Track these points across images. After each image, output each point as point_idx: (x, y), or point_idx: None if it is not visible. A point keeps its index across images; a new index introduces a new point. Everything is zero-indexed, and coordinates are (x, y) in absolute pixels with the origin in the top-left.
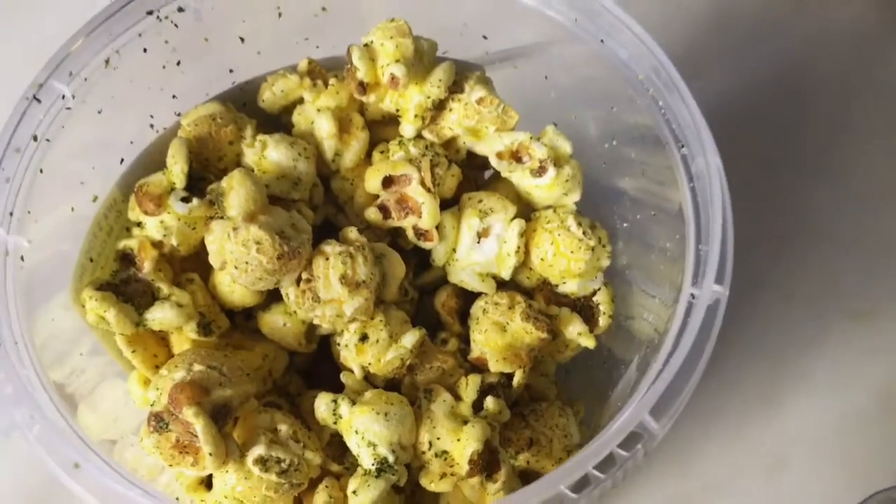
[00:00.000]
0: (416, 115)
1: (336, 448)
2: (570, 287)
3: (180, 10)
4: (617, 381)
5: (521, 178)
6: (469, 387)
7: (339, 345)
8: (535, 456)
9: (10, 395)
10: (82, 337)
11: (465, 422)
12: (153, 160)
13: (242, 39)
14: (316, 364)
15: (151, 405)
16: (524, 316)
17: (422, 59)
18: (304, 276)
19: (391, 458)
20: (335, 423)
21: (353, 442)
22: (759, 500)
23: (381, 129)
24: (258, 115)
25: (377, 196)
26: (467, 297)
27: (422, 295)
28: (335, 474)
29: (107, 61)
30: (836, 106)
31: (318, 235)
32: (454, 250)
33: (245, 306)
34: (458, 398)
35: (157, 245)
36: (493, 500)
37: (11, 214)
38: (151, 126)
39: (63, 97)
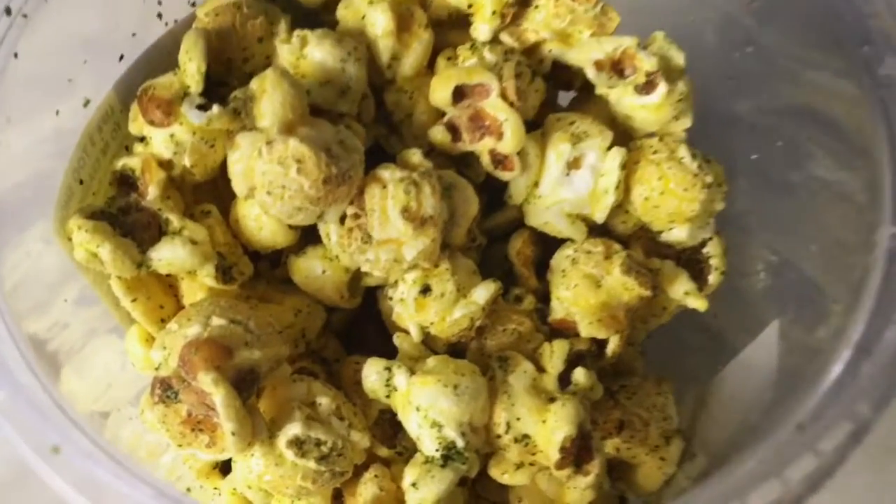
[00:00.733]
0: (493, 12)
1: (386, 428)
2: (677, 235)
3: None
4: (722, 353)
5: (621, 95)
6: (555, 355)
7: (390, 299)
8: (627, 442)
9: None
10: (68, 280)
11: (552, 399)
12: (161, 59)
13: None
14: (355, 325)
15: (156, 369)
16: (624, 268)
17: None
18: (351, 210)
19: (460, 443)
20: (388, 396)
21: (412, 421)
22: None
23: (447, 32)
24: (293, 10)
25: (443, 113)
26: (546, 246)
27: (489, 243)
28: (385, 460)
29: None
30: None
31: (367, 163)
32: (536, 185)
33: (275, 247)
34: (539, 369)
35: (165, 165)
36: (579, 497)
37: None
38: (160, 15)
39: None
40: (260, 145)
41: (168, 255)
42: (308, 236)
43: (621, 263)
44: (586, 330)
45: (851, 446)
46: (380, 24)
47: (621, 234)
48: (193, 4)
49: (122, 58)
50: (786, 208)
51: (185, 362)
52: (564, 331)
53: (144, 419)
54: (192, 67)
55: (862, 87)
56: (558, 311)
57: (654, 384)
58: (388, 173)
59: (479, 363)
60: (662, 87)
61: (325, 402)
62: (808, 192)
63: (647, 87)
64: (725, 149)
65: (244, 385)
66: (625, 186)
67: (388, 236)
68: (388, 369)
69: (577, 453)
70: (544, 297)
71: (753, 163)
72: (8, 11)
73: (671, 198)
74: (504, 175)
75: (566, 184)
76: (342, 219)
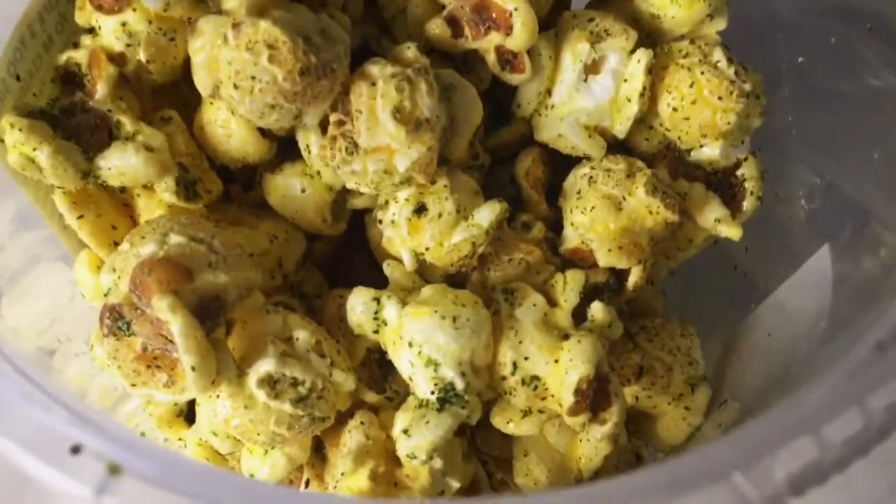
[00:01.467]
0: None
1: (373, 369)
2: (709, 153)
3: None
4: (750, 295)
5: None
6: (569, 287)
7: (380, 222)
8: (647, 390)
9: None
10: (2, 195)
11: (565, 336)
12: None
13: None
14: (340, 255)
15: (105, 295)
16: (649, 188)
17: None
18: (335, 117)
19: (460, 384)
20: (376, 331)
21: (404, 359)
22: None
23: None
24: None
25: (442, 6)
26: (557, 167)
27: (492, 164)
28: (372, 406)
29: None
30: None
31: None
32: (549, 92)
33: (246, 161)
34: (551, 303)
35: (116, 60)
36: (592, 450)
37: None
38: None
39: None
40: (225, 29)
41: (119, 164)
42: (286, 153)
43: (646, 182)
44: (605, 259)
45: None
46: None
47: (644, 152)
48: None
49: None
50: (832, 123)
51: (138, 285)
52: (578, 261)
53: (94, 356)
54: None
55: None
56: (572, 238)
57: (682, 325)
58: (377, 69)
59: (482, 297)
60: None
61: (303, 336)
62: (858, 103)
63: None
64: (764, 56)
65: (207, 314)
66: (650, 95)
67: (377, 143)
68: (377, 300)
69: (593, 397)
70: (555, 226)
71: (796, 70)
72: None
73: (704, 107)
74: (512, 78)
75: (583, 90)
76: (324, 126)
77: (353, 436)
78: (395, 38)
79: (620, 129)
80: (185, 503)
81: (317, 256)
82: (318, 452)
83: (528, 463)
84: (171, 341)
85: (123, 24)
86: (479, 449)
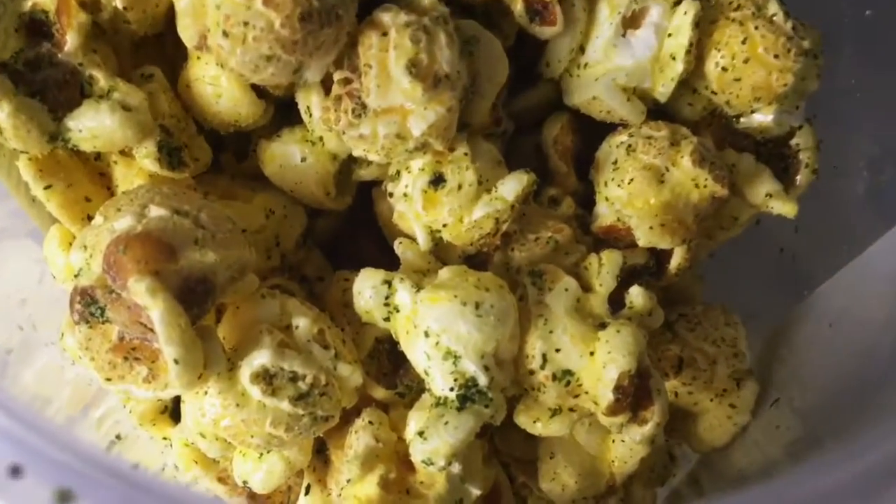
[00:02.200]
0: None
1: (383, 361)
2: (761, 120)
3: None
4: (799, 281)
5: None
6: (605, 269)
7: (390, 195)
8: (688, 385)
9: None
10: None
11: (602, 325)
12: None
13: None
14: (345, 233)
15: (76, 276)
16: (696, 157)
17: None
18: (340, 75)
19: (483, 380)
20: (387, 318)
21: (418, 350)
22: None
23: None
24: None
25: None
26: (589, 135)
27: (515, 130)
28: (382, 404)
29: None
30: None
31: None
32: (582, 49)
33: (238, 125)
34: (585, 287)
35: (88, 7)
36: (627, 453)
37: None
38: None
39: None
40: None
41: (91, 125)
42: (284, 116)
43: (692, 151)
44: (646, 237)
45: None
46: None
47: (686, 119)
48: None
49: None
50: None
51: (112, 265)
52: (614, 241)
53: (64, 345)
54: None
55: None
56: (607, 215)
57: (725, 313)
58: (389, 16)
59: (506, 279)
60: None
61: (303, 324)
62: None
63: None
64: (823, 9)
65: (193, 298)
66: (696, 53)
67: (388, 103)
68: (388, 283)
69: (633, 395)
70: (586, 202)
71: (861, 27)
72: None
73: (758, 67)
74: (542, 32)
75: (621, 47)
76: (327, 85)
77: (360, 437)
78: None
79: (663, 91)
80: None
81: (319, 234)
82: (321, 454)
83: (554, 466)
84: (151, 330)
85: None
86: (499, 450)
